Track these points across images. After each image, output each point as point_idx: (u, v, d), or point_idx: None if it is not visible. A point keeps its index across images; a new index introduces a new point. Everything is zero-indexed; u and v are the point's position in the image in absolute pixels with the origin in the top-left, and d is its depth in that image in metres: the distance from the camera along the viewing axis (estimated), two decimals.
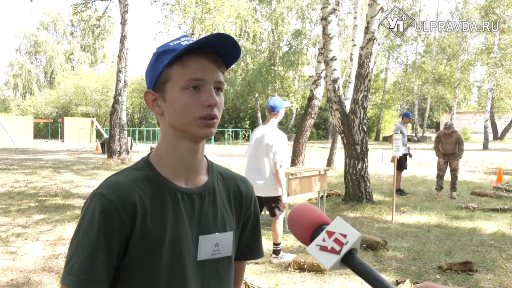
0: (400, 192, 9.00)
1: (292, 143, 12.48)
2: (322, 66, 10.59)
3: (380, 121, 36.23)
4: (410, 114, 9.60)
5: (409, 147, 9.62)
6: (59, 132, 34.64)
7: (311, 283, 4.02)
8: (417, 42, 34.78)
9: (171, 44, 0.98)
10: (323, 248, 0.73)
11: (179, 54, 0.94)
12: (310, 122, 11.41)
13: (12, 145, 25.02)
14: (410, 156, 9.57)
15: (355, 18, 11.87)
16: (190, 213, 0.99)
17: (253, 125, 36.99)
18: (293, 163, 11.33)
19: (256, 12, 31.42)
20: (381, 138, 35.35)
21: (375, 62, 8.22)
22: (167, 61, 0.95)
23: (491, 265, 4.56)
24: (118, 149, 14.42)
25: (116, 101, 14.52)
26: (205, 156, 1.07)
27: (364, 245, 5.00)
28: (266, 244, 5.05)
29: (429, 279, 4.15)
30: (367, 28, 7.69)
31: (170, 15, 20.35)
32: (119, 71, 14.45)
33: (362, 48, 7.81)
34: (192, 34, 19.35)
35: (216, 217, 1.03)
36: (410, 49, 46.45)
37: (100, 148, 19.99)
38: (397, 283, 3.91)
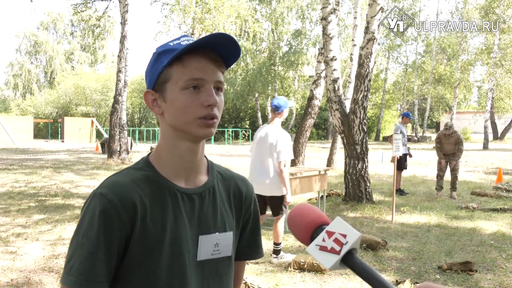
0: (400, 192, 9.00)
1: (292, 143, 12.48)
2: (322, 66, 10.59)
3: (380, 121, 36.23)
4: (410, 114, 9.61)
5: (409, 147, 9.62)
6: (59, 132, 34.64)
7: (311, 283, 4.02)
8: (417, 42, 34.79)
9: (171, 44, 0.98)
10: (323, 248, 0.73)
11: (179, 54, 0.94)
12: (310, 122, 11.42)
13: (12, 145, 25.02)
14: (410, 156, 9.57)
15: (355, 18, 11.87)
16: (190, 213, 0.99)
17: (253, 125, 36.99)
18: (293, 163, 11.33)
19: (256, 12, 31.41)
20: (381, 138, 35.35)
21: (375, 62, 8.22)
22: (167, 61, 0.95)
23: (491, 265, 4.56)
24: (118, 149, 14.42)
25: (116, 101, 14.52)
26: (205, 156, 1.07)
27: (364, 245, 5.00)
28: (266, 244, 5.05)
29: (429, 279, 4.15)
30: (367, 28, 7.69)
31: (170, 15, 20.36)
32: (119, 71, 14.45)
33: (362, 48, 7.81)
34: (192, 34, 19.35)
35: (216, 217, 1.03)
36: (410, 49, 46.54)
37: (100, 148, 19.99)
38: (397, 283, 3.91)
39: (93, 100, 38.27)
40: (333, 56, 8.27)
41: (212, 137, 24.64)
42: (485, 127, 25.08)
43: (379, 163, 15.04)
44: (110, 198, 0.91)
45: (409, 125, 37.69)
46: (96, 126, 33.06)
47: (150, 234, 0.93)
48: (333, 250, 0.72)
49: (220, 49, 0.96)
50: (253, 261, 4.43)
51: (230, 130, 33.15)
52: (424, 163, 15.87)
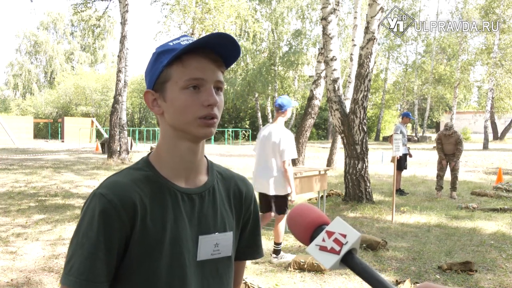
0: (400, 192, 9.00)
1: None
2: (322, 66, 10.60)
3: (380, 121, 36.23)
4: (410, 114, 9.61)
5: (409, 147, 9.63)
6: (59, 132, 34.64)
7: (311, 283, 4.02)
8: (417, 42, 34.79)
9: (171, 44, 0.98)
10: (322, 248, 0.73)
11: (179, 54, 0.94)
12: (310, 122, 11.42)
13: (12, 145, 25.02)
14: (410, 156, 9.58)
15: (355, 18, 11.87)
16: (190, 213, 0.99)
17: (253, 125, 37.00)
18: (293, 163, 11.30)
19: (256, 12, 31.41)
20: (381, 138, 35.35)
21: (375, 62, 8.22)
22: (167, 61, 0.95)
23: (491, 265, 4.56)
24: (118, 149, 14.42)
25: (116, 101, 14.52)
26: (205, 156, 1.07)
27: (364, 245, 5.00)
28: (266, 244, 5.06)
29: (429, 279, 4.15)
30: (367, 28, 7.69)
31: (170, 15, 20.35)
32: (119, 71, 14.45)
33: (362, 48, 7.81)
34: (192, 34, 19.35)
35: (216, 217, 1.03)
36: (410, 49, 46.45)
37: (100, 148, 19.99)
38: (397, 283, 3.91)
39: (93, 100, 38.28)
40: (333, 56, 8.27)
41: (212, 137, 24.64)
42: (485, 127, 25.08)
43: (379, 163, 15.04)
44: (110, 198, 0.91)
45: (409, 125, 37.68)
46: (96, 126, 33.07)
47: (150, 234, 0.93)
48: (333, 250, 0.72)
49: (220, 49, 0.96)
50: (253, 261, 4.44)
51: (230, 130, 33.15)
52: (424, 163, 15.87)
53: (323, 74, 10.83)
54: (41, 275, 4.16)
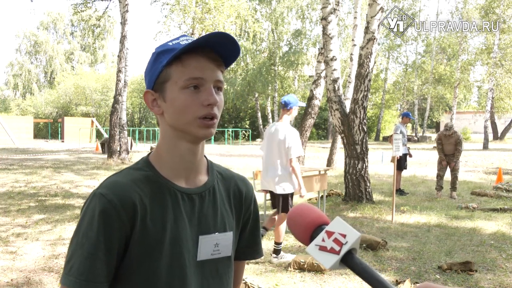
0: (400, 192, 9.00)
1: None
2: (322, 66, 10.59)
3: (380, 121, 36.24)
4: (410, 114, 9.61)
5: (409, 147, 9.63)
6: (59, 132, 34.64)
7: (311, 283, 4.02)
8: (417, 42, 34.80)
9: (170, 43, 0.98)
10: (322, 248, 0.73)
11: (178, 54, 0.93)
12: (310, 122, 11.41)
13: (12, 145, 25.01)
14: (410, 156, 9.58)
15: (355, 18, 11.87)
16: (190, 213, 0.99)
17: (253, 125, 37.01)
18: None
19: (256, 12, 31.42)
20: (381, 138, 35.36)
21: (375, 62, 8.22)
22: (166, 61, 0.95)
23: (491, 265, 4.56)
24: (118, 149, 14.42)
25: (116, 101, 14.52)
26: (205, 156, 1.06)
27: (364, 245, 5.00)
28: (266, 244, 5.06)
29: (429, 279, 4.15)
30: (367, 28, 7.69)
31: (170, 15, 20.37)
32: (119, 71, 14.45)
33: (362, 48, 7.81)
34: (192, 34, 19.36)
35: (216, 217, 1.03)
36: (410, 49, 46.52)
37: (100, 148, 19.99)
38: (397, 283, 3.91)
39: (93, 100, 38.28)
40: (333, 56, 8.27)
41: (212, 137, 24.63)
42: (485, 127, 25.08)
43: (379, 163, 15.04)
44: (110, 198, 0.91)
45: (409, 125, 37.70)
46: (96, 126, 33.07)
47: (150, 234, 0.93)
48: (333, 250, 0.72)
49: (219, 49, 0.96)
50: (253, 261, 4.44)
51: (230, 130, 33.15)
52: (424, 163, 15.87)
53: (323, 74, 10.83)
54: (41, 275, 4.16)
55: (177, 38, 0.99)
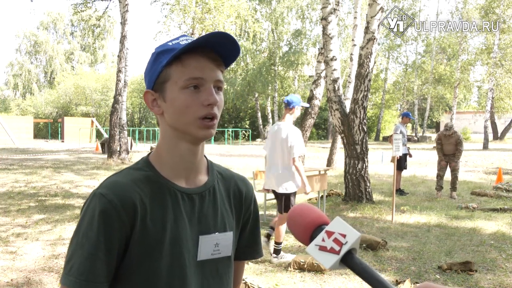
0: (400, 192, 9.00)
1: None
2: (322, 66, 10.59)
3: (380, 121, 36.24)
4: (410, 114, 9.61)
5: (409, 147, 9.63)
6: (59, 132, 34.63)
7: (311, 283, 4.02)
8: (417, 42, 34.80)
9: (170, 43, 0.98)
10: (322, 248, 0.73)
11: (178, 54, 0.93)
12: (310, 122, 11.40)
13: (12, 145, 25.01)
14: (410, 156, 9.58)
15: (355, 18, 11.87)
16: (190, 213, 0.99)
17: (253, 125, 37.00)
18: None
19: (256, 12, 31.43)
20: (381, 138, 35.36)
21: (375, 62, 8.22)
22: (166, 61, 0.95)
23: (491, 265, 4.56)
24: (118, 149, 14.41)
25: (116, 101, 14.52)
26: (205, 156, 1.06)
27: (364, 245, 5.00)
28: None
29: (429, 279, 4.15)
30: (367, 28, 7.69)
31: (170, 15, 20.37)
32: (119, 71, 14.45)
33: (362, 48, 7.81)
34: (192, 34, 19.36)
35: (216, 217, 1.03)
36: (410, 49, 46.45)
37: (100, 148, 19.99)
38: (397, 283, 3.91)
39: (93, 100, 38.28)
40: (333, 56, 8.27)
41: (212, 137, 24.64)
42: (485, 127, 25.08)
43: (379, 163, 15.04)
44: (110, 198, 0.91)
45: (409, 125, 37.69)
46: (96, 126, 33.06)
47: (150, 234, 0.93)
48: (333, 250, 0.72)
49: (219, 48, 0.96)
50: (253, 261, 4.44)
51: (230, 130, 33.15)
52: (424, 163, 15.87)
53: (323, 74, 10.82)
54: (41, 275, 4.16)
55: (177, 38, 0.99)
